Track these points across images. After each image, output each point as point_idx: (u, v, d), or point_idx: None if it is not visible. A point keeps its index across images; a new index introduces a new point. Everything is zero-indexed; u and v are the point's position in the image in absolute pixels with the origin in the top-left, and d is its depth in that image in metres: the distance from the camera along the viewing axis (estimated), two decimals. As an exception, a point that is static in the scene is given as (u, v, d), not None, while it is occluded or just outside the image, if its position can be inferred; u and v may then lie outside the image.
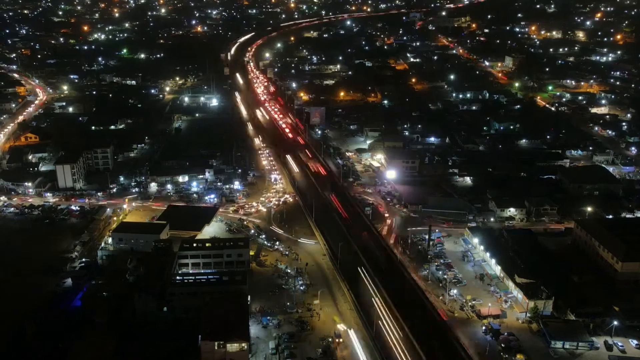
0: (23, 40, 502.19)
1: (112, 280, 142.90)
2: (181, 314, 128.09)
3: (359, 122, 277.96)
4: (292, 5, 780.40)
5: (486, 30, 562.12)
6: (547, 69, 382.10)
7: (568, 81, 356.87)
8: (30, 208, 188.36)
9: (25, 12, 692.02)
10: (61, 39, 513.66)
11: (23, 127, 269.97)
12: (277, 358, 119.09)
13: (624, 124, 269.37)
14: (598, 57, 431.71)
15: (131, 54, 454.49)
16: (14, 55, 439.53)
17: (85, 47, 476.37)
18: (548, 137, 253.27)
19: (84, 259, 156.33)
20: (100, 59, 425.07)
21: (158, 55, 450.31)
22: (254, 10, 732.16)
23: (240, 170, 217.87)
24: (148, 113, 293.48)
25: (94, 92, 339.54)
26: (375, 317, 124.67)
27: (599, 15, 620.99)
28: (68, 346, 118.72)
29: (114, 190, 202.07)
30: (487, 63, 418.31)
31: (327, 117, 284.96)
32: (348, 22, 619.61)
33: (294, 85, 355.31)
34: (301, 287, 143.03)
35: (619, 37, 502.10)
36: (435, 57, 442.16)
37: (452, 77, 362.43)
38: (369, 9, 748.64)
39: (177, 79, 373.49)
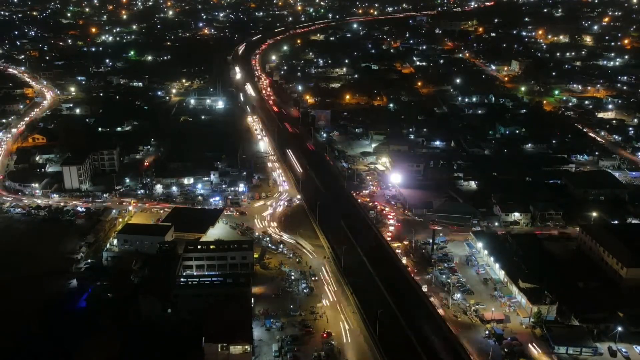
0: (31, 42, 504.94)
1: (117, 281, 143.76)
2: (185, 316, 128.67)
3: (364, 125, 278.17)
4: (299, 8, 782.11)
5: (493, 34, 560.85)
6: (553, 73, 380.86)
7: (575, 85, 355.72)
8: (37, 209, 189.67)
9: (34, 13, 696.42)
10: (69, 41, 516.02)
11: (30, 128, 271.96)
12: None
13: (630, 129, 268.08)
14: (605, 62, 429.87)
15: (138, 56, 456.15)
16: (23, 56, 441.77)
17: (93, 49, 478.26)
18: (554, 141, 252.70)
19: (89, 260, 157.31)
20: (107, 60, 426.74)
21: (165, 57, 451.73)
22: (261, 13, 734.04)
23: (245, 173, 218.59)
24: (154, 115, 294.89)
25: (101, 94, 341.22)
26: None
27: (606, 19, 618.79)
28: (73, 347, 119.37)
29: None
30: (493, 67, 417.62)
31: (333, 120, 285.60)
32: (355, 25, 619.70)
33: (300, 88, 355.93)
34: (305, 290, 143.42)
35: (626, 41, 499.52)
36: (442, 61, 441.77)
37: (458, 80, 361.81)
38: (375, 12, 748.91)
39: (184, 81, 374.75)
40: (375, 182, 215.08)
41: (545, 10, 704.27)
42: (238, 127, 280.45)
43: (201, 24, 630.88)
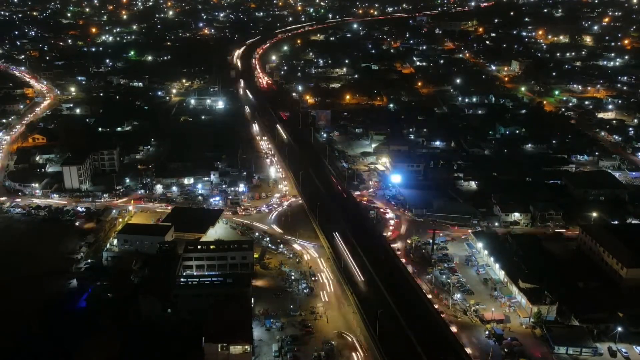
0: (31, 42, 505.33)
1: (117, 281, 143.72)
2: (185, 316, 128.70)
3: (364, 125, 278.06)
4: (299, 8, 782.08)
5: (493, 34, 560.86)
6: (553, 74, 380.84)
7: (575, 86, 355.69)
8: (37, 209, 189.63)
9: (34, 13, 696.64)
10: (69, 41, 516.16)
11: (30, 128, 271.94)
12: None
13: (630, 129, 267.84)
14: (605, 62, 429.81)
15: (138, 56, 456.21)
16: (23, 56, 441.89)
17: (93, 49, 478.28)
18: (554, 141, 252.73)
19: (89, 260, 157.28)
20: (107, 60, 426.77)
21: (165, 58, 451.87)
22: (261, 13, 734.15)
23: (245, 173, 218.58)
24: (154, 115, 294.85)
25: (101, 94, 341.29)
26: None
27: (606, 19, 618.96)
28: (73, 347, 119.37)
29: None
30: (493, 67, 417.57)
31: (333, 120, 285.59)
32: (355, 25, 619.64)
33: (300, 88, 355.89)
34: (305, 290, 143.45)
35: (626, 41, 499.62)
36: (442, 61, 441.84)
37: (458, 81, 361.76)
38: (375, 12, 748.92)
39: (184, 81, 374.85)
40: (375, 182, 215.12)
41: (545, 10, 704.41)
42: (238, 127, 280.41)
43: (201, 24, 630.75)
